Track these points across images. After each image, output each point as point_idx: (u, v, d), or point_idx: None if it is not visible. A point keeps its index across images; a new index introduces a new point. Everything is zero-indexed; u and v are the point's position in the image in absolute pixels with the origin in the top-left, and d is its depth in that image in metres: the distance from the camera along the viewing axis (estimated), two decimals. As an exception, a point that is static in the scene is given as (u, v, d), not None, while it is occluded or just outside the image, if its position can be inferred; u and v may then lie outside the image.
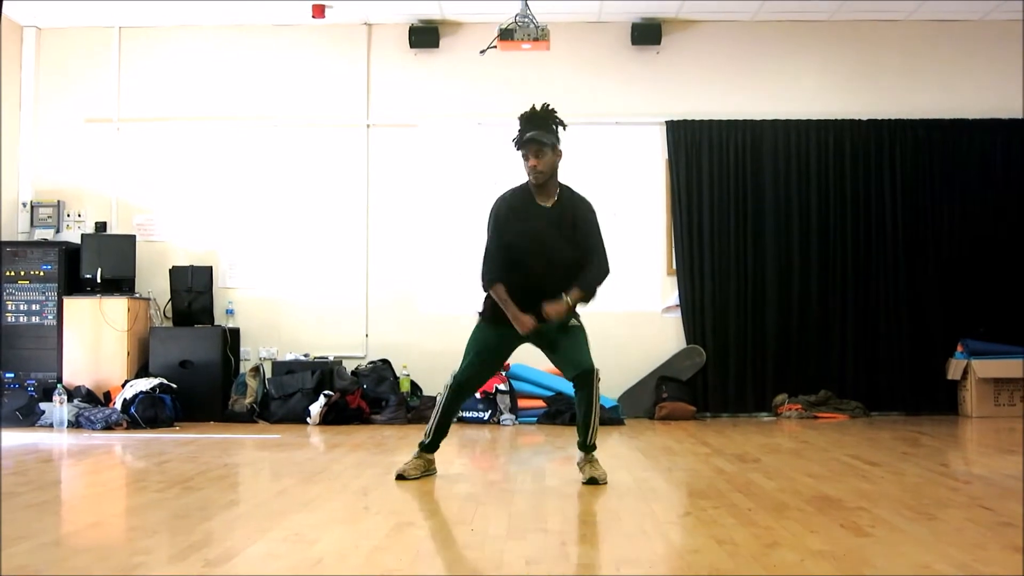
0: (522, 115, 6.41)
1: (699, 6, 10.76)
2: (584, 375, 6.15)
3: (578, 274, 6.20)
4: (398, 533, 4.53)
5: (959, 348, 10.53)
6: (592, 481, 6.05)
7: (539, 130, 6.29)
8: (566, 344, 6.25)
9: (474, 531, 4.58)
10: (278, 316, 11.04)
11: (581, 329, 6.32)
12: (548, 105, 6.44)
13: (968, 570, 3.75)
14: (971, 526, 4.60)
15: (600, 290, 6.31)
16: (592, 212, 6.43)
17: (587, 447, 6.25)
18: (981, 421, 10.07)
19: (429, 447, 6.37)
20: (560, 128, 6.42)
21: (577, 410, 6.31)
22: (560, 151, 6.37)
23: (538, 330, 6.17)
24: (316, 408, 9.76)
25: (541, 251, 6.22)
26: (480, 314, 6.51)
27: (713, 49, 11.17)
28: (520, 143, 6.31)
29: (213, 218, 11.16)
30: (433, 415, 6.39)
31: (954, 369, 10.55)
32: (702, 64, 11.18)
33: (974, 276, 10.82)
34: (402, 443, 8.24)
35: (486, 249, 6.40)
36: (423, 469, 6.32)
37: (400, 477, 6.18)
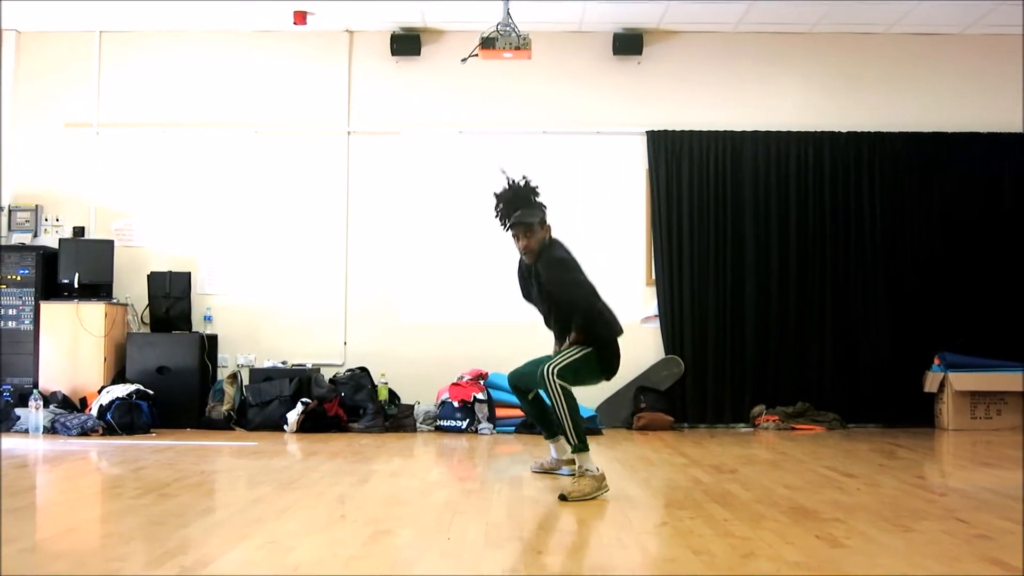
0: (501, 194, 6.51)
1: (681, 16, 10.78)
2: (539, 380, 6.28)
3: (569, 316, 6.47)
4: (375, 542, 4.53)
5: (936, 361, 10.57)
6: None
7: (523, 209, 6.41)
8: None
9: (451, 540, 4.57)
10: (256, 323, 11.01)
11: (575, 346, 6.39)
12: (528, 180, 6.53)
13: (943, 582, 3.77)
14: (947, 538, 4.62)
15: (588, 324, 6.44)
16: (551, 264, 6.44)
17: (570, 446, 6.19)
18: (957, 434, 10.11)
19: (584, 445, 6.16)
20: (542, 203, 6.53)
21: None
22: (548, 225, 6.51)
23: None
24: (293, 416, 9.74)
25: (540, 308, 6.71)
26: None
27: (694, 60, 11.20)
28: (509, 226, 6.44)
29: (192, 224, 11.13)
30: (571, 416, 6.19)
31: (931, 382, 10.59)
32: (683, 75, 11.21)
33: (952, 289, 10.87)
34: (380, 451, 8.23)
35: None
36: (597, 487, 6.01)
37: (563, 498, 5.90)
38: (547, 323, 6.79)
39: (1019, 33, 10.97)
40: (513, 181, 6.51)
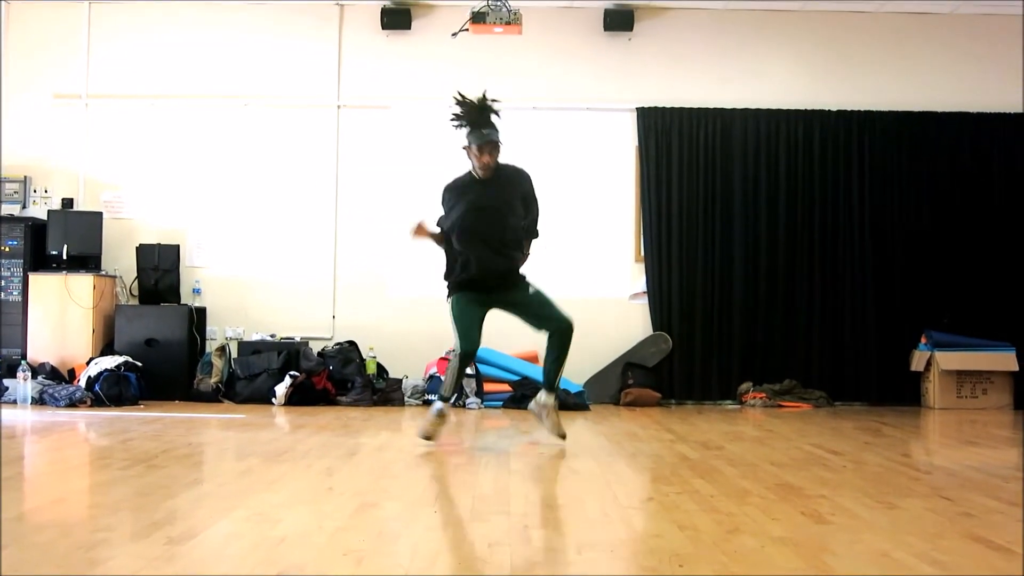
0: (474, 104, 6.86)
1: (672, -7, 10.79)
2: (567, 329, 6.93)
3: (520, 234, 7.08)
4: (361, 514, 4.54)
5: (923, 340, 10.61)
6: (563, 436, 7.02)
7: (493, 128, 6.84)
8: (538, 304, 7.03)
9: (437, 513, 4.59)
10: (245, 296, 11.01)
11: (541, 290, 7.04)
12: (488, 97, 6.89)
13: (927, 559, 3.78)
14: (931, 515, 4.64)
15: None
16: (531, 181, 7.13)
17: (554, 387, 7.09)
18: (943, 412, 10.15)
19: (447, 398, 7.05)
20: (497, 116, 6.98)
21: (549, 356, 7.05)
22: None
23: (503, 299, 7.02)
24: (281, 389, 9.75)
25: (487, 221, 6.87)
26: (447, 288, 7.15)
27: (685, 36, 11.20)
28: (481, 141, 6.82)
29: (181, 196, 11.12)
30: (450, 377, 7.07)
31: (918, 360, 10.63)
32: (674, 51, 11.20)
33: (940, 268, 10.92)
34: (367, 424, 8.24)
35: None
36: (441, 424, 7.01)
37: (428, 438, 6.92)
38: (484, 235, 6.91)
39: (1010, 13, 10.98)
40: (483, 96, 6.88)
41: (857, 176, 11.05)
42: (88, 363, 9.79)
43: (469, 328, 6.97)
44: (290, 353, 10.15)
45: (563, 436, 7.00)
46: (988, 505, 4.90)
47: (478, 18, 9.35)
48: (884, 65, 11.22)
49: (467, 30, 9.54)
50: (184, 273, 10.74)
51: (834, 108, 11.10)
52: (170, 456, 6.28)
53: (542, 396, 7.11)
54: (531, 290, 7.05)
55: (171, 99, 11.15)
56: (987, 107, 11.09)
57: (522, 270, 7.12)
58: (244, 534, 4.09)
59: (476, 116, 6.84)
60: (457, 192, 7.00)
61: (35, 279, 10.26)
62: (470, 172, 7.01)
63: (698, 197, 11.02)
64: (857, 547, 4.01)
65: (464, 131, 6.91)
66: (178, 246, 10.67)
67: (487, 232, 6.87)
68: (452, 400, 7.25)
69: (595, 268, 11.06)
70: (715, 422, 9.03)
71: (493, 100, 6.87)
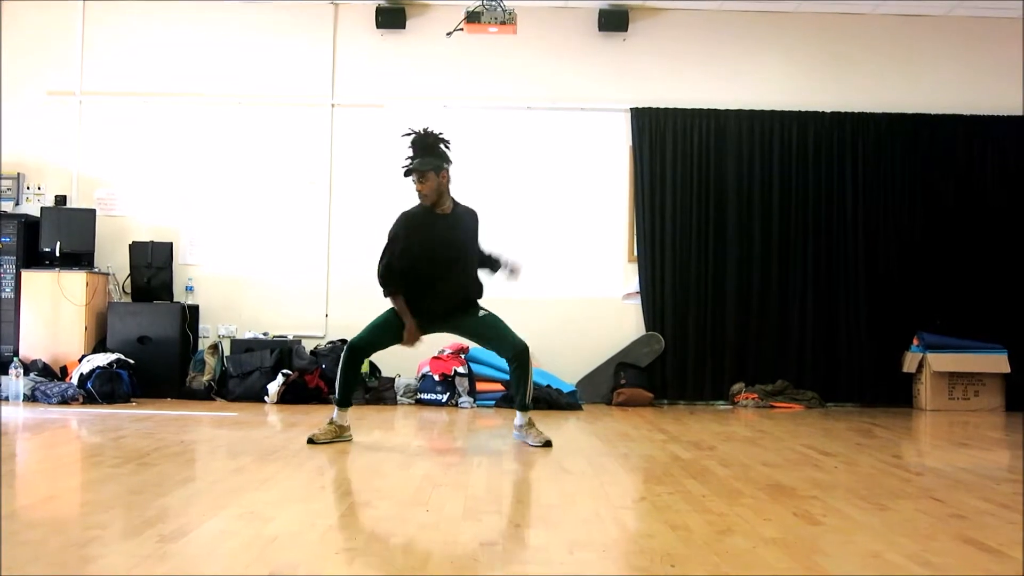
0: (412, 140, 6.91)
1: (667, -6, 10.79)
2: (522, 353, 6.97)
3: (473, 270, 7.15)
4: (353, 512, 4.54)
5: (915, 341, 10.62)
6: (548, 444, 6.90)
7: (422, 157, 6.82)
8: (490, 328, 7.08)
9: (429, 512, 4.58)
10: (238, 294, 11.00)
11: (493, 314, 7.12)
12: (434, 131, 6.94)
13: (918, 560, 3.79)
14: (922, 517, 4.65)
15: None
16: (477, 222, 7.19)
17: (526, 405, 7.06)
18: (935, 414, 10.16)
19: (341, 402, 7.03)
20: (446, 148, 6.92)
21: (513, 382, 7.14)
22: (446, 171, 6.89)
23: (449, 325, 7.17)
24: (274, 387, 9.75)
25: (443, 251, 6.91)
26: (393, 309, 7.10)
27: (679, 37, 11.20)
28: (405, 171, 6.89)
29: (175, 194, 11.10)
30: (339, 376, 7.08)
31: (910, 362, 10.64)
32: (668, 52, 11.21)
33: (932, 270, 10.93)
34: (359, 423, 8.21)
35: (385, 262, 7.02)
36: (334, 435, 6.93)
37: (311, 441, 6.82)
38: (439, 266, 6.97)
39: (1004, 16, 11.00)
40: (424, 130, 6.93)
41: (851, 177, 11.06)
42: (80, 360, 9.77)
43: (380, 339, 7.20)
44: (283, 351, 10.14)
45: (549, 444, 6.95)
46: (979, 507, 4.91)
47: (473, 17, 9.36)
48: (878, 67, 11.23)
49: (462, 29, 9.54)
50: (177, 271, 10.74)
51: (828, 109, 11.11)
52: (162, 454, 6.28)
53: (518, 419, 7.17)
54: (480, 314, 7.11)
55: (165, 97, 11.13)
56: (980, 109, 11.10)
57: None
58: (236, 532, 4.09)
59: (415, 148, 6.88)
60: (416, 223, 6.96)
61: (28, 276, 10.24)
62: (423, 205, 6.97)
63: (692, 197, 11.02)
64: (849, 548, 4.02)
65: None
66: (171, 244, 10.66)
67: (444, 270, 6.94)
68: (347, 403, 7.09)
69: (588, 268, 11.06)
70: (707, 422, 9.04)
71: (434, 131, 6.93)
